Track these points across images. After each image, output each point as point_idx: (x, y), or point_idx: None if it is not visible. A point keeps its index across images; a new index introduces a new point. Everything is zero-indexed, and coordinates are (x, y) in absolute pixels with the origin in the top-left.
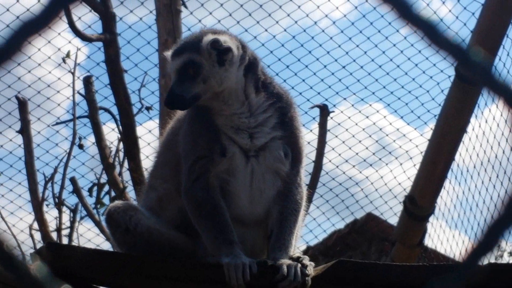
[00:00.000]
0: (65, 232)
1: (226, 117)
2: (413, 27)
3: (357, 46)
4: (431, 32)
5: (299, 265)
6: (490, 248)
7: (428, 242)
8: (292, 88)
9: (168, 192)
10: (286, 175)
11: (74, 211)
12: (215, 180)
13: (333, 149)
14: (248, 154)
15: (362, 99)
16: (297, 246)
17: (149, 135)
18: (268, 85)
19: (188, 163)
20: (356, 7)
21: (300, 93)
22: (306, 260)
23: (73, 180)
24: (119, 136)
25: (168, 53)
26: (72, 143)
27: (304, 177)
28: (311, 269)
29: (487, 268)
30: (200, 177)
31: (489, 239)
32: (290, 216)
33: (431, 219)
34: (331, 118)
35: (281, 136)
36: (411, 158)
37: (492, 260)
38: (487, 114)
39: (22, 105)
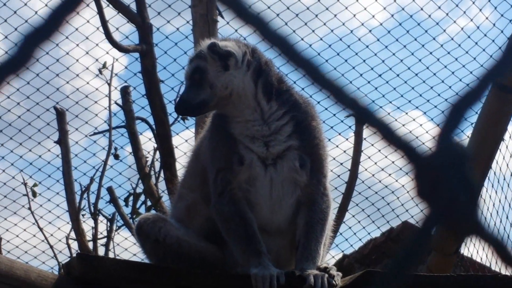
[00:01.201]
0: (102, 241)
1: (242, 126)
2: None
3: (393, 54)
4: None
5: (326, 275)
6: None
7: (464, 250)
8: (328, 97)
9: (195, 201)
10: (306, 185)
11: (111, 220)
12: (239, 192)
13: (369, 157)
14: (266, 163)
15: (398, 108)
16: (333, 254)
17: (185, 145)
18: (284, 93)
19: (212, 177)
20: (392, 15)
21: (336, 102)
22: (334, 271)
23: (110, 190)
24: (155, 145)
25: None
26: (108, 153)
27: (330, 186)
28: (339, 280)
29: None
30: (224, 191)
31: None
32: (316, 226)
33: None
34: (367, 126)
35: (298, 146)
36: None
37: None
38: None
39: (60, 115)
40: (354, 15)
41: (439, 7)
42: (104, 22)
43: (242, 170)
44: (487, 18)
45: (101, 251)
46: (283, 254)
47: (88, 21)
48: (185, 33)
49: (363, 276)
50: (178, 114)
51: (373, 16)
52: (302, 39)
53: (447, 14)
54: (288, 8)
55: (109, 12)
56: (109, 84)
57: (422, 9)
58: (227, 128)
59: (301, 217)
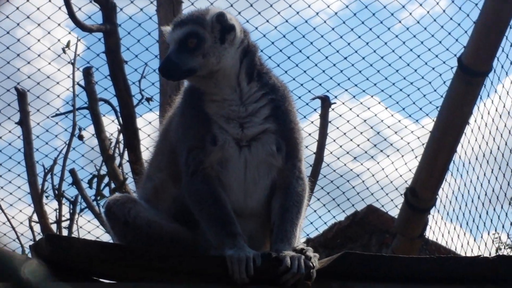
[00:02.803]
0: (64, 224)
1: (217, 105)
2: None
3: (359, 37)
4: None
5: (303, 257)
6: None
7: (429, 234)
8: (294, 79)
9: (162, 181)
10: (281, 169)
11: (73, 203)
12: (212, 172)
13: (334, 140)
14: (240, 144)
15: (363, 91)
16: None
17: (149, 127)
18: (263, 75)
19: (184, 156)
20: None
21: (302, 84)
22: (310, 252)
23: (72, 172)
24: (119, 127)
25: (168, 28)
26: (72, 135)
27: (305, 169)
28: (316, 261)
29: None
30: (197, 170)
31: None
32: (292, 208)
33: (432, 211)
34: (333, 109)
35: (274, 129)
36: (412, 150)
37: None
38: (490, 106)
39: (22, 96)
40: None
41: None
42: (67, 1)
43: (215, 150)
44: (453, 1)
45: (64, 234)
46: (256, 237)
47: (50, 1)
48: (149, 14)
49: (341, 257)
50: (162, 76)
51: None
52: (267, 21)
53: None
54: None
55: None
56: (73, 64)
57: None
58: (201, 106)
59: (276, 200)
